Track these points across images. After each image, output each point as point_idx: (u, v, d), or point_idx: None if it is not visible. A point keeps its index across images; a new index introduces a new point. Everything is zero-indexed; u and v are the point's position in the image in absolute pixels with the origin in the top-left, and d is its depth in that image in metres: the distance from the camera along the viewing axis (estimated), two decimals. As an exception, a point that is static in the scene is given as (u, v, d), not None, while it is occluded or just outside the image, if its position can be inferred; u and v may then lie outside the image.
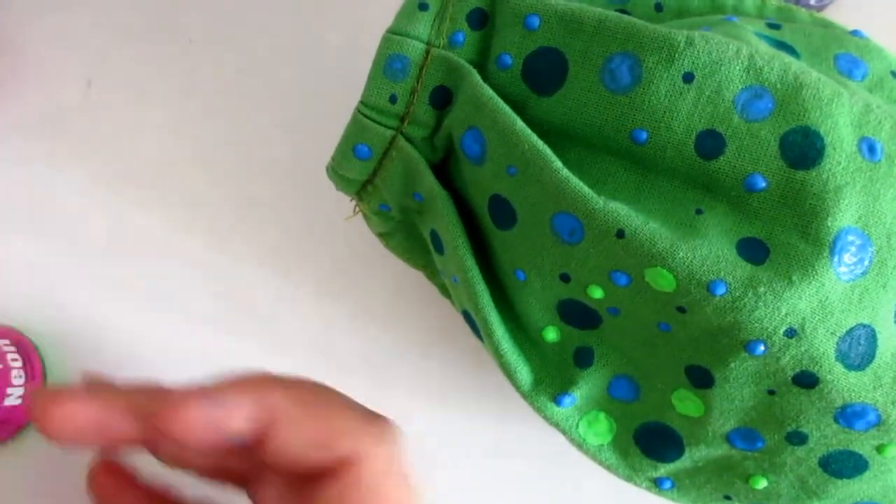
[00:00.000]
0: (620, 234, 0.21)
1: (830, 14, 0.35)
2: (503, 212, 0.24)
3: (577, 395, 0.26)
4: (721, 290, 0.21)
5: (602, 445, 0.26)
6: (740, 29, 0.24)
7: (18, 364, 0.35)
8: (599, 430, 0.26)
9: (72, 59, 0.41)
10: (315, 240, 0.38)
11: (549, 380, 0.26)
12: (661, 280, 0.21)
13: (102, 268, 0.39)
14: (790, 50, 0.24)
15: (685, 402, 0.24)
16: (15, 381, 0.34)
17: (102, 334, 0.38)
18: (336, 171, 0.27)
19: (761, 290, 0.21)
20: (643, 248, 0.21)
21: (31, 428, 0.37)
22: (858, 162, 0.22)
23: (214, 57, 0.40)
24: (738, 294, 0.21)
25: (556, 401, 0.26)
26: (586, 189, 0.22)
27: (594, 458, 0.26)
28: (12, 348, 0.35)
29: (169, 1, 0.41)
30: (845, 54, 0.25)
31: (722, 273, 0.21)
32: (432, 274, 0.32)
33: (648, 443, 0.26)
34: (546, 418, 0.26)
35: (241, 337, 0.37)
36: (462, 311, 0.28)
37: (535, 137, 0.22)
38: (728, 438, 0.24)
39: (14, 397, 0.34)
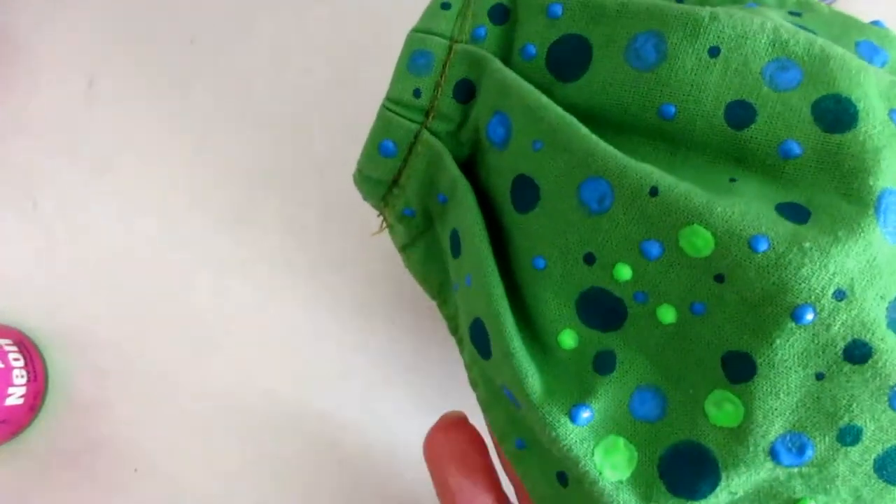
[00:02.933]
0: (654, 191, 0.21)
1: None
2: (526, 191, 0.24)
3: (595, 410, 0.23)
4: (763, 246, 0.20)
5: (620, 483, 0.23)
6: (762, 10, 0.24)
7: (20, 364, 0.35)
8: (618, 461, 0.23)
9: (73, 59, 0.42)
10: (316, 239, 0.37)
11: (564, 391, 0.23)
12: (698, 240, 0.20)
13: (103, 267, 0.38)
14: (811, 33, 0.24)
15: (722, 408, 0.22)
16: (17, 381, 0.34)
17: (103, 333, 0.37)
18: (363, 174, 0.27)
19: (807, 245, 0.20)
20: (678, 204, 0.20)
21: (32, 427, 0.36)
22: (892, 129, 0.21)
23: (216, 57, 0.41)
24: (781, 250, 0.20)
25: (571, 415, 0.23)
26: (617, 151, 0.21)
27: (608, 500, 0.23)
28: (14, 348, 0.35)
29: (170, 1, 0.42)
30: (866, 42, 0.25)
31: (763, 228, 0.20)
32: (444, 302, 0.30)
33: (677, 474, 0.22)
34: (558, 439, 0.23)
35: (242, 339, 0.37)
36: (471, 323, 0.26)
37: (560, 109, 0.22)
38: (772, 452, 0.22)
39: (16, 397, 0.34)
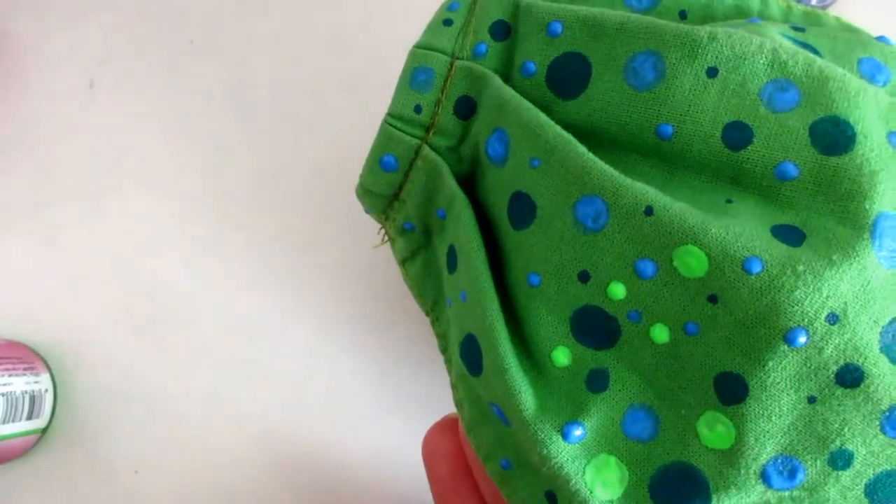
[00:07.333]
0: (649, 210, 0.21)
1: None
2: (522, 207, 0.24)
3: (588, 427, 0.23)
4: (757, 268, 0.20)
5: (611, 502, 0.22)
6: (764, 28, 0.24)
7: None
8: (609, 480, 0.23)
9: (74, 60, 0.42)
10: (318, 240, 0.38)
11: (556, 408, 0.23)
12: (692, 261, 0.20)
13: (102, 268, 0.39)
14: (813, 51, 0.24)
15: (714, 429, 0.22)
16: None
17: (104, 336, 0.38)
18: (364, 187, 0.27)
19: (800, 268, 0.20)
20: (673, 224, 0.20)
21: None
22: (890, 152, 0.21)
23: (216, 58, 0.41)
24: (775, 272, 0.20)
25: (563, 432, 0.23)
26: (613, 170, 0.21)
27: None
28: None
29: (170, 2, 0.42)
30: (869, 59, 0.25)
31: (757, 250, 0.20)
32: (437, 319, 0.30)
33: (667, 494, 0.22)
34: (549, 456, 0.23)
35: (243, 346, 0.37)
36: (462, 339, 0.26)
37: (558, 128, 0.22)
38: (763, 475, 0.22)
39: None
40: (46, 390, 0.37)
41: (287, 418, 0.36)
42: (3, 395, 0.35)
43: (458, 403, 0.27)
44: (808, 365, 0.20)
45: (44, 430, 0.38)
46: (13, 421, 0.35)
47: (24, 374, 0.36)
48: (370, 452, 0.36)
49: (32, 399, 0.36)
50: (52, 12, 0.43)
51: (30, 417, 0.36)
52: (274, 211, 0.38)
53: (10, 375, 0.35)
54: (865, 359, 0.20)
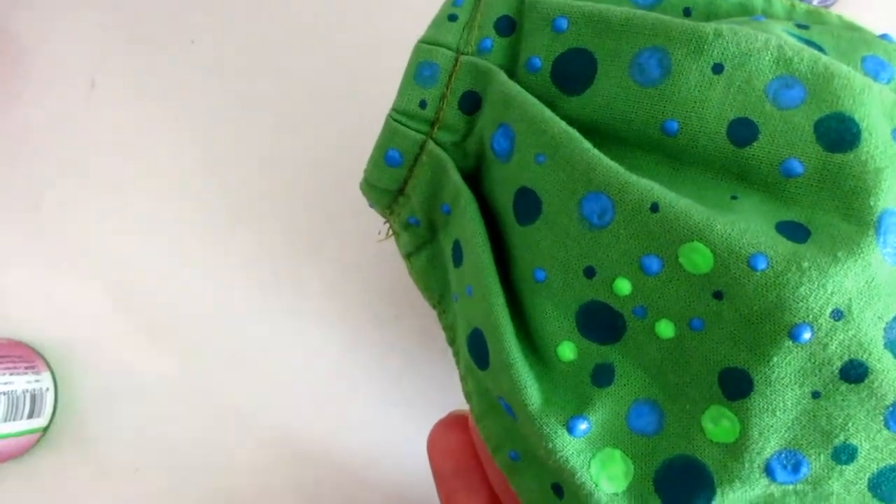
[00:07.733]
0: (655, 207, 0.21)
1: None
2: (528, 203, 0.24)
3: (593, 422, 0.23)
4: (762, 265, 0.20)
5: (616, 495, 0.23)
6: (768, 25, 0.24)
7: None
8: (614, 474, 0.23)
9: (75, 60, 0.42)
10: (319, 240, 0.38)
11: (562, 402, 0.23)
12: (698, 257, 0.21)
13: (102, 268, 0.39)
14: (818, 48, 0.24)
15: (718, 424, 0.22)
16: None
17: (105, 336, 0.38)
18: (369, 182, 0.27)
19: (805, 265, 0.20)
20: (679, 221, 0.20)
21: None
22: (895, 149, 0.21)
23: (216, 58, 0.41)
24: (780, 269, 0.20)
25: (569, 426, 0.23)
26: (619, 166, 0.21)
27: None
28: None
29: (171, 2, 0.42)
30: (872, 56, 0.25)
31: (762, 247, 0.20)
32: (444, 312, 0.30)
33: (672, 488, 0.22)
34: (554, 450, 0.23)
35: (245, 344, 0.37)
36: (469, 333, 0.26)
37: (564, 123, 0.23)
38: (767, 469, 0.22)
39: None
40: (47, 389, 0.37)
41: (289, 416, 0.36)
42: (4, 393, 0.35)
43: (467, 395, 0.27)
44: (813, 360, 0.21)
45: (45, 429, 0.38)
46: (14, 420, 0.35)
47: (26, 373, 0.36)
48: (374, 449, 0.36)
49: (33, 398, 0.36)
50: (53, 12, 0.43)
51: (31, 416, 0.36)
52: (277, 207, 0.38)
53: (11, 374, 0.35)
54: (870, 354, 0.20)
